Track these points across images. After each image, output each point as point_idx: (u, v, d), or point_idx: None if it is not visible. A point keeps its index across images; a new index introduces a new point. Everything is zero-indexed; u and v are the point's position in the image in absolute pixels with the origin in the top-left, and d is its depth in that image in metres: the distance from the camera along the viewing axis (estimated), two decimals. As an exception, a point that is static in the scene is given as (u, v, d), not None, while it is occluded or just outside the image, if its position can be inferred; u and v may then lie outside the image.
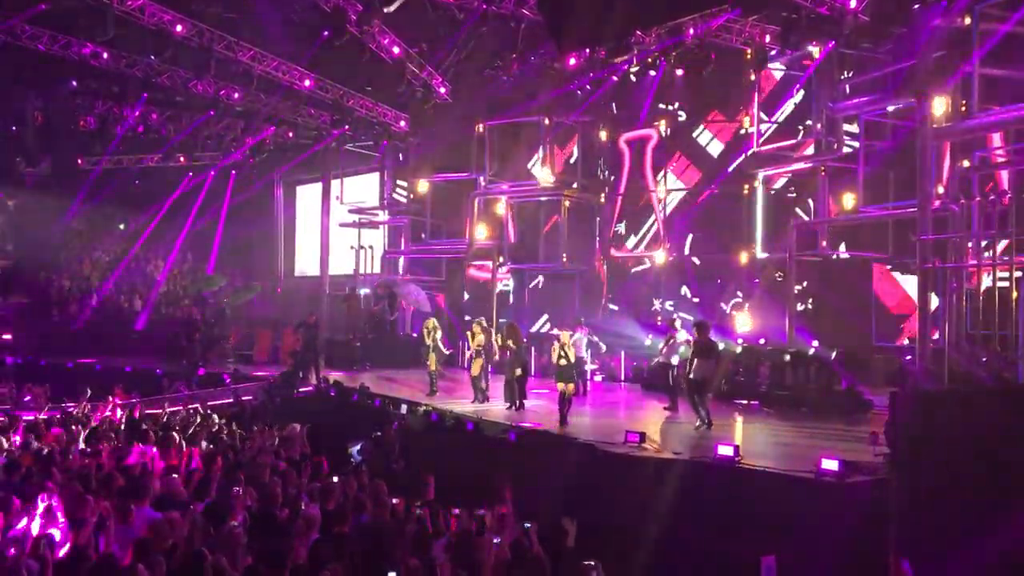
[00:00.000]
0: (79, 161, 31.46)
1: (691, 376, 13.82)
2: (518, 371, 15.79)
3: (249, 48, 22.79)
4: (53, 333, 27.76)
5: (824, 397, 15.96)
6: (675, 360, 15.62)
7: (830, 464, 9.72)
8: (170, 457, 11.66)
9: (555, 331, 18.77)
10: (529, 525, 8.37)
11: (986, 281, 14.93)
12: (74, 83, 26.09)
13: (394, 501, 9.42)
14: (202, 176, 31.30)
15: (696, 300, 22.53)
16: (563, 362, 14.71)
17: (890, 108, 18.07)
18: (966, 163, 16.08)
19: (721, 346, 15.34)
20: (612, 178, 25.01)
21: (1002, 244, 14.61)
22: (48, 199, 30.37)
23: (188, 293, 30.76)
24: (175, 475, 10.00)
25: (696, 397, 13.74)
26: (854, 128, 18.90)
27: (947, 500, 8.55)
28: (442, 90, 24.69)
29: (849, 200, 18.89)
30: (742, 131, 21.77)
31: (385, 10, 21.06)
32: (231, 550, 7.11)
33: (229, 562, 6.75)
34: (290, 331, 24.53)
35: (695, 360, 13.81)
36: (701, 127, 23.23)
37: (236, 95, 25.24)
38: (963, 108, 16.08)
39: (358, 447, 15.22)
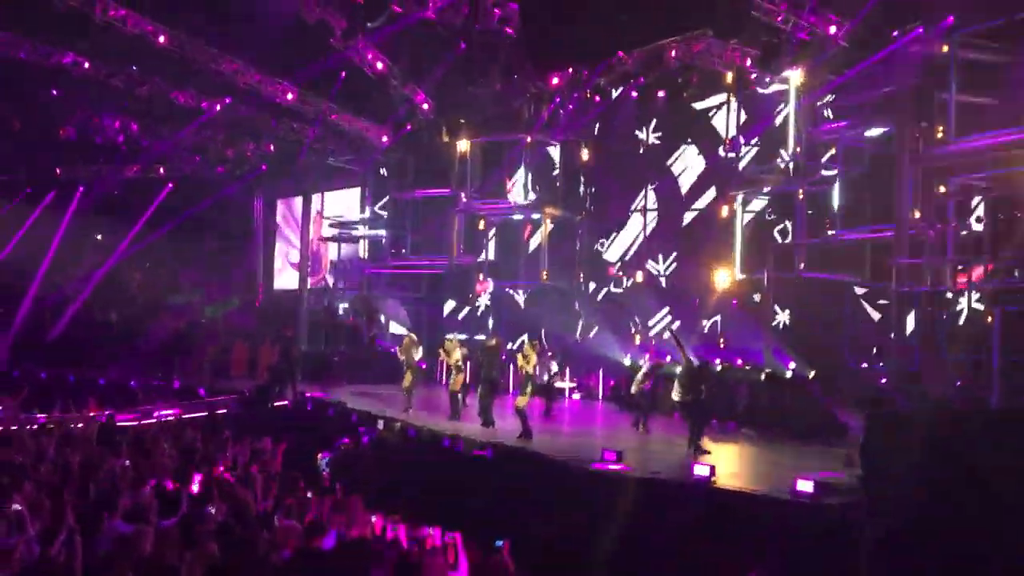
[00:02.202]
0: (57, 171, 31.24)
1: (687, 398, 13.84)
2: (484, 389, 15.83)
3: (232, 61, 22.76)
4: (27, 343, 27.48)
5: (800, 418, 16.01)
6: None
7: (805, 485, 9.76)
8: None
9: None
10: (501, 543, 8.34)
11: (961, 306, 15.11)
12: (54, 92, 25.91)
13: (373, 519, 9.37)
14: (182, 188, 31.16)
15: (676, 321, 22.61)
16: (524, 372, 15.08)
17: (868, 133, 18.26)
18: (942, 188, 16.26)
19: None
20: (593, 196, 25.09)
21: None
22: (24, 207, 30.12)
23: (166, 306, 30.56)
24: (147, 488, 9.88)
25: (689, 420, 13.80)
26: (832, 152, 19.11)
27: (916, 522, 8.58)
28: (425, 106, 24.72)
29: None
30: (722, 153, 21.90)
31: (369, 25, 21.13)
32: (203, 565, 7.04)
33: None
34: (267, 344, 24.42)
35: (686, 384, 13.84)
36: (682, 148, 23.36)
37: (217, 107, 25.17)
38: (940, 135, 16.26)
39: (327, 459, 15.15)
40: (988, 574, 7.96)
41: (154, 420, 17.14)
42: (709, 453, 12.92)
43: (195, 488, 10.13)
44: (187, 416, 18.21)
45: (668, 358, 17.45)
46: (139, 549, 7.07)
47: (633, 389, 16.59)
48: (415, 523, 9.72)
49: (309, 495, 10.26)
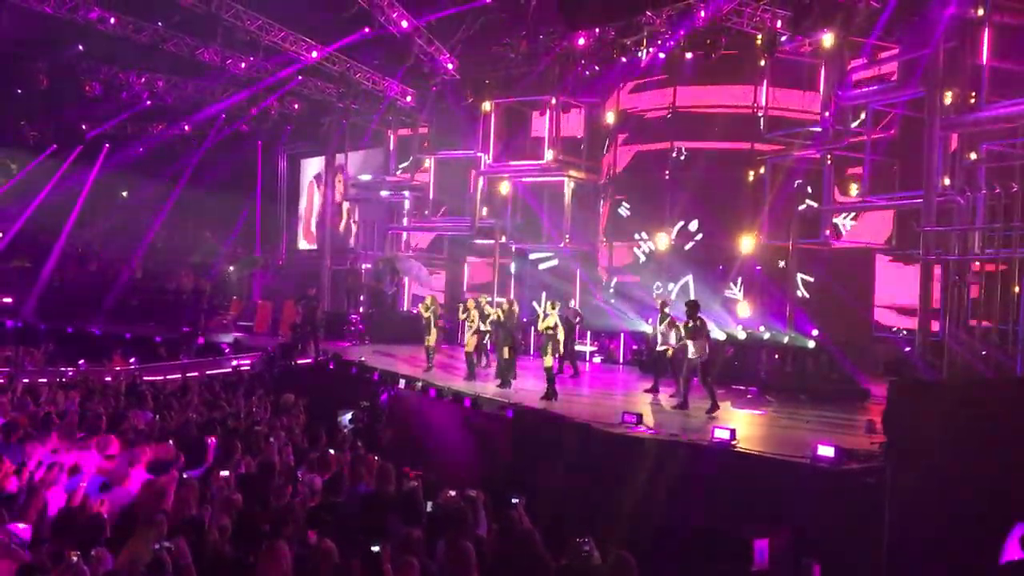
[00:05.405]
0: (83, 127, 31.37)
1: (691, 357, 13.77)
2: (506, 350, 15.83)
3: (257, 17, 22.64)
4: (53, 298, 27.79)
5: (823, 385, 15.95)
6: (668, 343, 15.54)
7: (826, 450, 9.70)
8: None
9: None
10: (516, 500, 8.38)
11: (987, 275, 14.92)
12: (80, 47, 25.93)
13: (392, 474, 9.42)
14: (206, 146, 31.22)
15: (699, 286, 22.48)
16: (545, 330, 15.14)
17: (899, 98, 17.96)
18: (973, 155, 15.99)
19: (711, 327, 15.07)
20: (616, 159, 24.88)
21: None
22: (51, 163, 30.29)
23: (190, 262, 30.78)
24: (170, 441, 10.01)
25: (705, 379, 13.74)
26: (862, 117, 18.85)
27: (940, 490, 8.55)
28: (449, 66, 24.53)
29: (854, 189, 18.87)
30: (750, 116, 21.60)
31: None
32: (226, 515, 7.13)
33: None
34: (290, 303, 24.57)
35: (689, 342, 13.77)
36: (708, 111, 23.07)
37: (242, 64, 25.12)
38: (972, 100, 15.95)
39: (348, 416, 15.29)
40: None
41: (179, 376, 17.30)
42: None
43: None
44: (212, 372, 18.38)
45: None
46: (164, 498, 7.17)
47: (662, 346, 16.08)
48: (434, 479, 9.80)
49: (331, 452, 10.35)
